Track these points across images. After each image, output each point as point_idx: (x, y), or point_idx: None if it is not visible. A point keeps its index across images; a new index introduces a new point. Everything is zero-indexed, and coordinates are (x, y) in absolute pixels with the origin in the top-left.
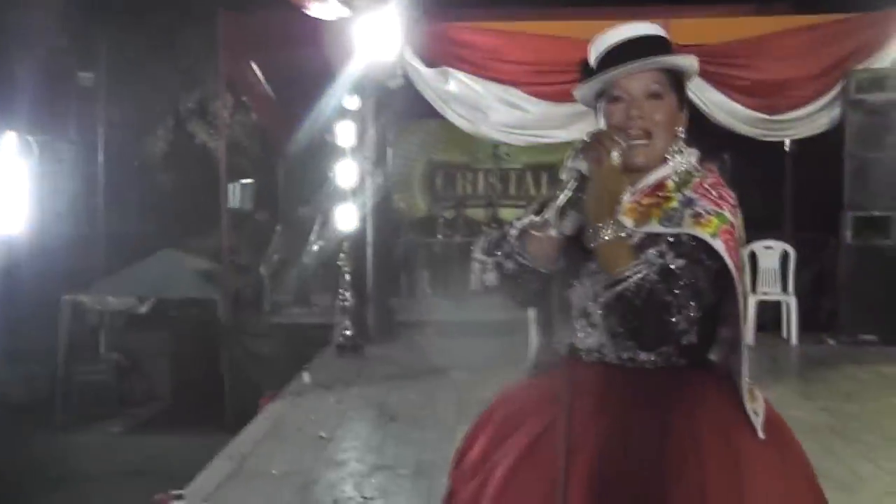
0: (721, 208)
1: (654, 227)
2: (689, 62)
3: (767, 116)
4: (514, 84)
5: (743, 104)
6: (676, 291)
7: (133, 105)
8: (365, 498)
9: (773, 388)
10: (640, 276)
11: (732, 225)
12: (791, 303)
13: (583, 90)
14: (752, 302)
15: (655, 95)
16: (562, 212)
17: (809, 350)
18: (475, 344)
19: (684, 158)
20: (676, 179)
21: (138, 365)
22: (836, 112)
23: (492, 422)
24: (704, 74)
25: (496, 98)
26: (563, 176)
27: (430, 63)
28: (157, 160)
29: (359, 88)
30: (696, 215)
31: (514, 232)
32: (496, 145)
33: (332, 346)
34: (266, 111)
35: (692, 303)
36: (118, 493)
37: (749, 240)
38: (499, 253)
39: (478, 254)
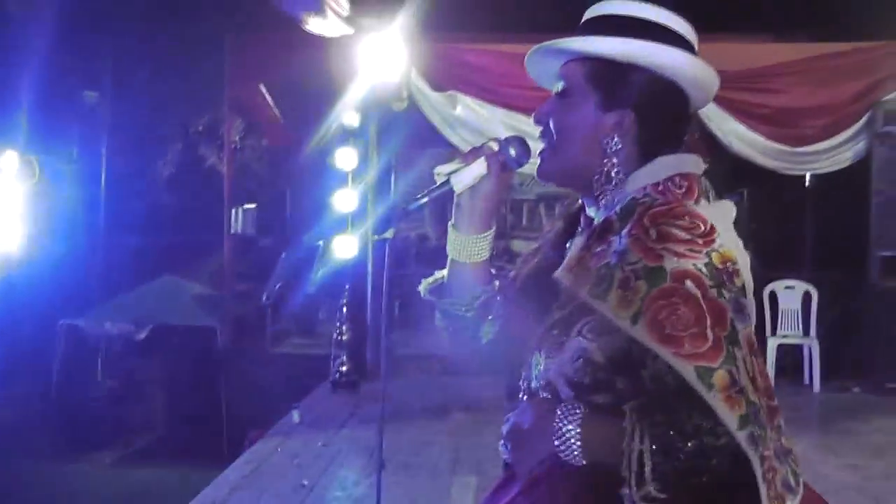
0: (659, 259)
1: (584, 294)
2: (604, 47)
3: (789, 148)
4: (520, 109)
5: (763, 134)
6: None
7: (138, 126)
8: None
9: (795, 438)
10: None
11: (681, 276)
12: (813, 346)
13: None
14: (771, 345)
15: (559, 93)
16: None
17: (833, 398)
18: (480, 382)
19: (636, 181)
20: (619, 213)
21: (135, 392)
22: (861, 145)
23: None
24: (722, 102)
25: (502, 124)
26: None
27: (437, 86)
28: (163, 182)
29: (363, 110)
30: (624, 282)
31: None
32: None
33: (328, 381)
34: (274, 134)
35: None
36: None
37: (768, 279)
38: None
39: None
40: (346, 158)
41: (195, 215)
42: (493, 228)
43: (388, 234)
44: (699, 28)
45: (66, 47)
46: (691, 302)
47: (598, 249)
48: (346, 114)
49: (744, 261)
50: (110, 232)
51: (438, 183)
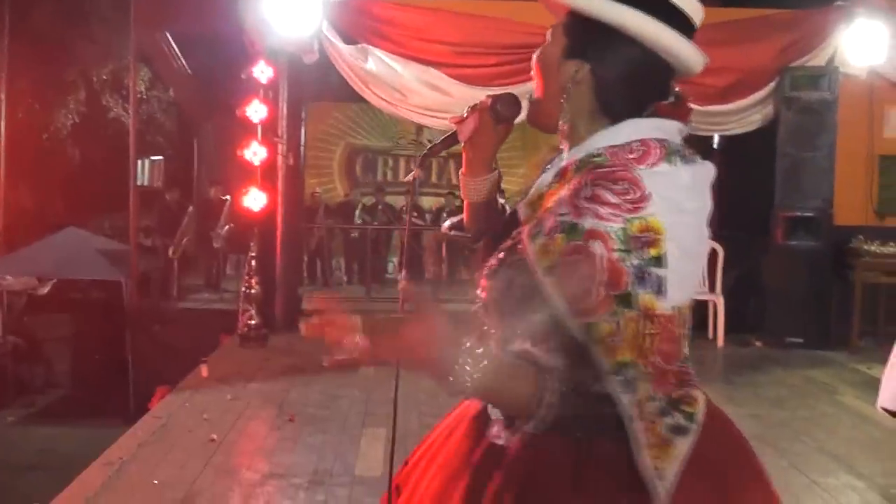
0: (581, 216)
1: (525, 231)
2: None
3: (699, 108)
4: (436, 65)
5: None
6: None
7: (39, 74)
8: None
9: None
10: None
11: (591, 236)
12: (718, 303)
13: None
14: None
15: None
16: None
17: (735, 352)
18: None
19: (601, 139)
20: (576, 165)
21: (37, 349)
22: (769, 109)
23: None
24: None
25: (417, 79)
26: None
27: (349, 39)
28: (66, 133)
29: (272, 62)
30: (550, 231)
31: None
32: (418, 131)
33: (236, 335)
34: (181, 85)
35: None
36: (9, 492)
37: None
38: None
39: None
40: (255, 110)
41: (100, 167)
42: (494, 172)
43: (412, 175)
44: None
45: None
46: (592, 262)
47: (551, 191)
48: (256, 68)
49: (683, 231)
50: (11, 182)
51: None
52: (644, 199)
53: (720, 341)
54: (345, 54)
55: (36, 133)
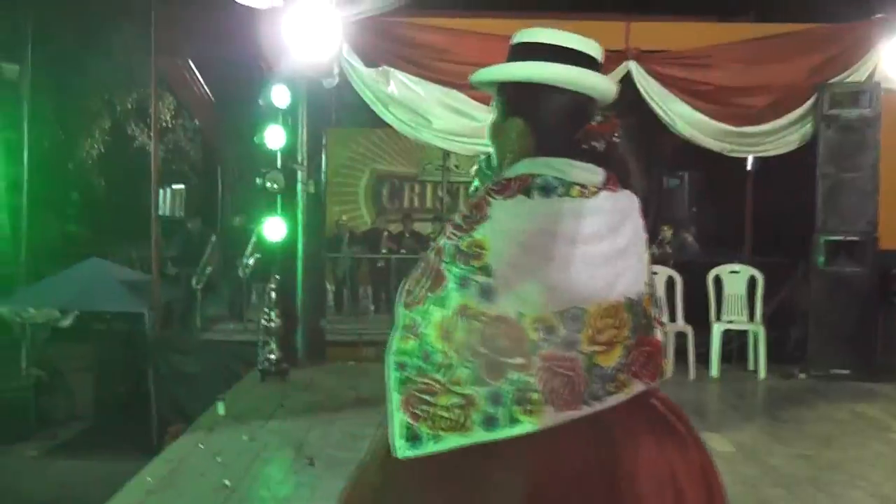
0: (441, 233)
1: None
2: (483, 75)
3: (734, 128)
4: (459, 87)
5: (706, 113)
6: None
7: (63, 102)
8: None
9: (743, 428)
10: None
11: (435, 249)
12: (759, 332)
13: None
14: (717, 331)
15: None
16: None
17: (778, 384)
18: None
19: (507, 171)
20: None
21: (60, 382)
22: (807, 128)
23: None
24: (666, 80)
25: (439, 102)
26: None
27: (370, 62)
28: (92, 162)
29: (291, 87)
30: None
31: None
32: (445, 157)
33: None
34: (204, 112)
35: None
36: None
37: (712, 263)
38: None
39: None
40: (274, 137)
41: (124, 196)
42: None
43: None
44: (645, 10)
45: None
46: (426, 267)
47: None
48: (275, 90)
49: (509, 247)
50: (36, 212)
51: None
52: (481, 221)
53: (762, 373)
54: (365, 77)
55: (60, 162)
